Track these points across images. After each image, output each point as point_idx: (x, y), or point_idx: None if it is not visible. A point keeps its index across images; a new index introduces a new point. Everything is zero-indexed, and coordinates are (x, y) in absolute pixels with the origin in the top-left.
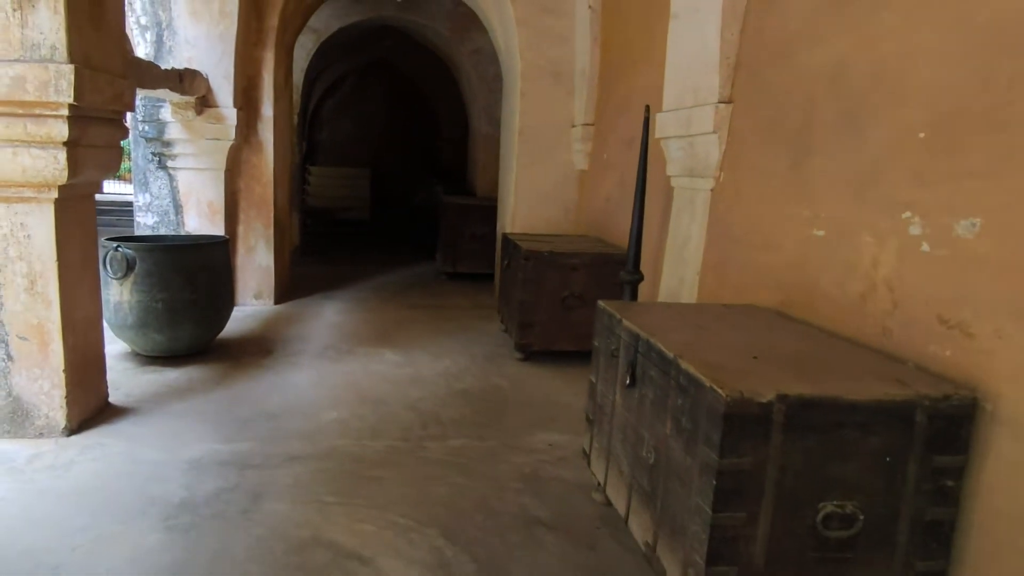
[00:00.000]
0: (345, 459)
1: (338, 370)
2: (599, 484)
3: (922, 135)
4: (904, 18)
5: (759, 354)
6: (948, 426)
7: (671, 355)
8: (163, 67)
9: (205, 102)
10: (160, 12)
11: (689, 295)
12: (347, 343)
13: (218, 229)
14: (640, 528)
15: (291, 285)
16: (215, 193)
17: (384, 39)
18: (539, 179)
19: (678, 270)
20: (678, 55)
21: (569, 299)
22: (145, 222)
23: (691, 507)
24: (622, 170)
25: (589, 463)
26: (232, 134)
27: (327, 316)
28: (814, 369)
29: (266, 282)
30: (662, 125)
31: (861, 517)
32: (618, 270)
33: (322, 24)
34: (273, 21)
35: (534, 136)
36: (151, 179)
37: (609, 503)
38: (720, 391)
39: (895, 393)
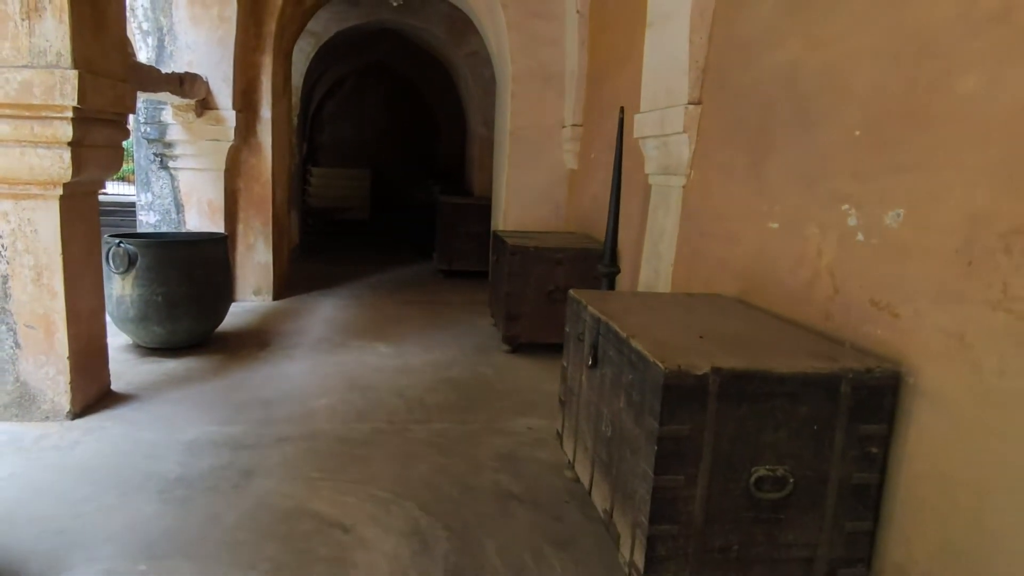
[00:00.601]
0: (332, 440)
1: (331, 361)
2: (569, 462)
3: (858, 133)
4: (845, 25)
5: (706, 335)
6: (872, 397)
7: (624, 335)
8: (164, 71)
9: (205, 104)
10: (161, 18)
11: (664, 286)
12: (341, 337)
13: (218, 227)
14: (600, 497)
15: (290, 282)
16: (215, 192)
17: (382, 42)
18: (530, 178)
19: (654, 263)
20: (653, 59)
21: (555, 292)
22: (148, 220)
23: (639, 473)
24: (608, 170)
25: (561, 443)
26: (231, 135)
27: (324, 312)
28: (753, 347)
29: (265, 279)
30: (640, 125)
31: (791, 480)
32: None
33: (321, 27)
34: (271, 26)
35: (525, 137)
36: (153, 179)
37: (578, 479)
38: (660, 364)
39: (821, 367)
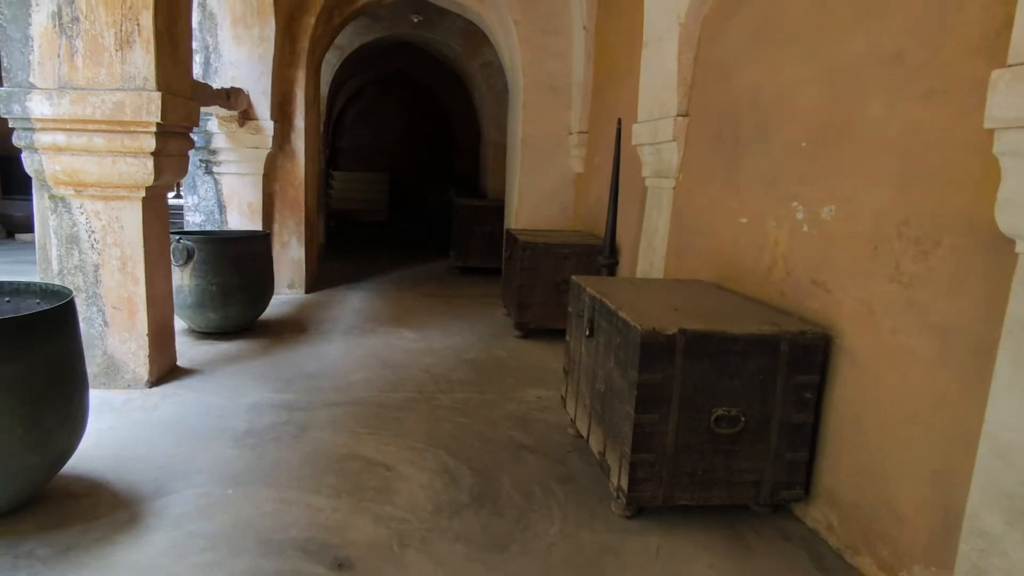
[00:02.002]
0: (371, 405)
1: (363, 343)
2: (572, 420)
3: (803, 144)
4: (793, 56)
5: (680, 308)
6: (805, 354)
7: (613, 307)
8: (213, 86)
9: (246, 115)
10: (208, 38)
11: (657, 276)
12: (370, 324)
13: (257, 226)
14: (595, 442)
15: (319, 277)
16: (254, 195)
17: (401, 52)
18: (540, 182)
19: (649, 256)
20: (648, 74)
21: (561, 284)
22: (193, 220)
23: (623, 415)
24: (610, 173)
25: (565, 405)
26: (269, 143)
27: (351, 303)
28: (716, 317)
29: (298, 273)
30: (637, 134)
31: (743, 419)
32: None
33: (346, 41)
34: (304, 44)
35: (535, 143)
36: (199, 183)
37: (579, 435)
38: (639, 327)
39: (766, 329)
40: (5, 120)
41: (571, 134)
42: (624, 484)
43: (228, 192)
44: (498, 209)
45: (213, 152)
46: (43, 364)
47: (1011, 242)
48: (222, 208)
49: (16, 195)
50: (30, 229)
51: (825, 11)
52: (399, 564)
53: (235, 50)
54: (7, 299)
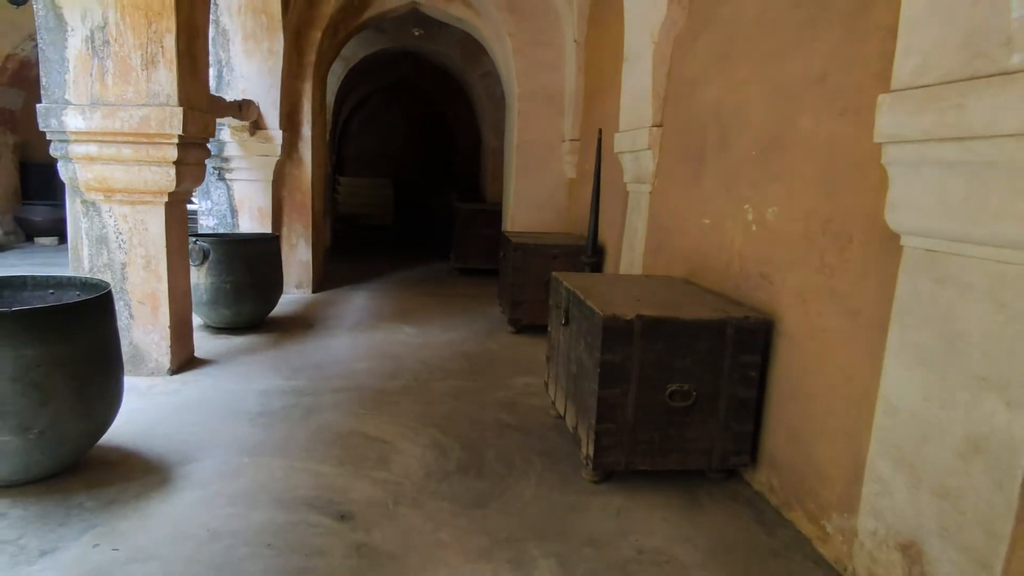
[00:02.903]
0: (372, 391)
1: (365, 338)
2: (552, 403)
3: (753, 153)
4: (746, 74)
5: (642, 299)
6: (749, 337)
7: (583, 297)
8: (226, 99)
9: (257, 125)
10: (221, 52)
11: (636, 273)
12: (372, 320)
13: (266, 229)
14: (569, 419)
15: (325, 277)
16: (264, 200)
17: (404, 63)
18: (534, 187)
19: (629, 254)
20: (628, 88)
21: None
22: (207, 224)
23: (590, 391)
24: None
25: (547, 388)
26: (278, 151)
27: (356, 302)
28: (673, 306)
29: (305, 274)
30: (619, 142)
31: (694, 394)
32: None
33: (351, 52)
34: (311, 57)
35: (530, 150)
36: (212, 189)
37: (559, 416)
38: (601, 312)
39: (713, 315)
40: (25, 129)
41: (564, 141)
42: (591, 452)
43: (240, 197)
44: (496, 213)
45: (226, 160)
46: (87, 345)
47: (898, 237)
48: (234, 212)
49: (35, 201)
50: (48, 233)
51: (769, 35)
52: (393, 517)
53: (246, 64)
54: (51, 291)
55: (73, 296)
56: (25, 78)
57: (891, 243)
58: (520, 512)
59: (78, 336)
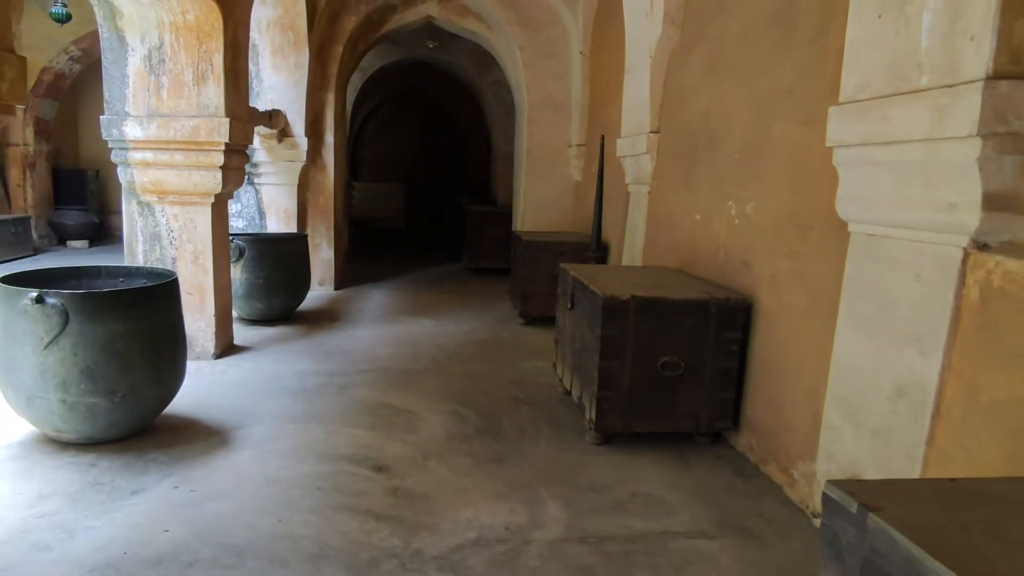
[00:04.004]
0: (396, 372)
1: (387, 328)
2: (560, 380)
3: (736, 156)
4: (731, 86)
5: (638, 284)
6: (730, 315)
7: (586, 282)
8: (257, 108)
9: (284, 133)
10: (251, 66)
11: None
12: (392, 314)
13: (292, 230)
14: (575, 391)
15: (346, 276)
16: (290, 202)
17: (418, 72)
18: (543, 189)
19: (630, 250)
20: (629, 97)
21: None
22: (237, 225)
23: (592, 363)
24: (605, 181)
25: (555, 368)
26: (303, 157)
27: (375, 298)
28: (664, 289)
29: (328, 272)
30: (620, 147)
31: (683, 365)
32: None
33: (367, 63)
34: (333, 70)
35: (539, 154)
36: (242, 192)
37: (566, 392)
38: (601, 294)
39: (698, 296)
40: (58, 137)
41: (571, 146)
42: (593, 416)
43: (267, 200)
44: (507, 215)
45: (255, 165)
46: (158, 323)
47: (846, 225)
48: (262, 214)
49: (67, 206)
50: (79, 237)
51: (749, 52)
52: (422, 468)
53: (274, 76)
54: (121, 279)
55: (140, 283)
56: (59, 89)
57: (841, 231)
58: (532, 466)
59: (151, 315)
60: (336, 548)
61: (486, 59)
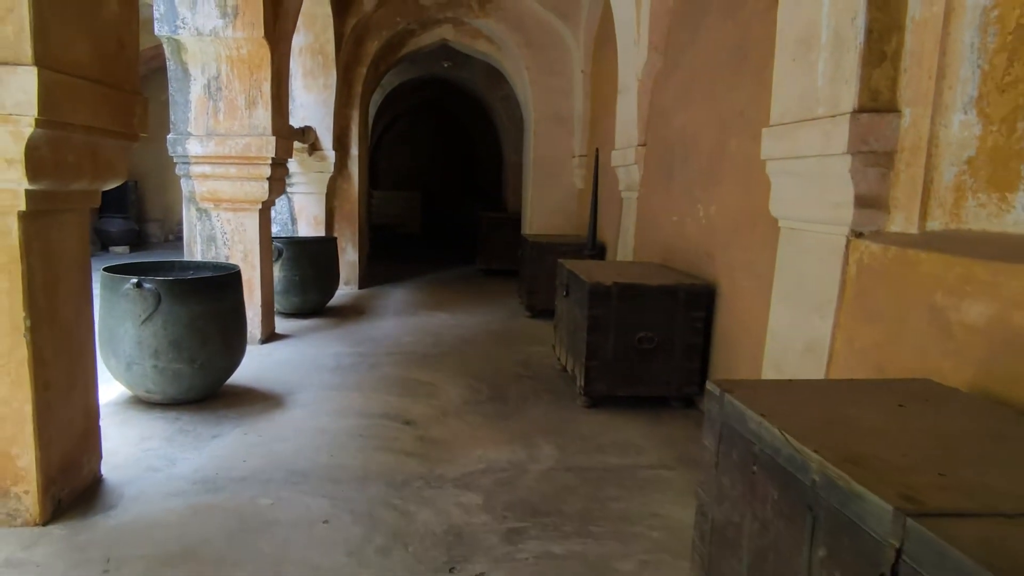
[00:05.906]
0: (418, 355)
1: (409, 321)
2: (558, 359)
3: (703, 166)
4: (699, 107)
5: (622, 274)
6: (696, 298)
7: (576, 272)
8: (294, 126)
9: (314, 147)
10: None
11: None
12: (412, 309)
13: (321, 235)
14: (569, 364)
15: (369, 276)
16: (319, 209)
17: (433, 87)
18: (548, 195)
19: (623, 249)
20: (621, 113)
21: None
22: (272, 229)
23: (581, 339)
24: (603, 189)
25: (554, 350)
26: (331, 168)
27: (396, 296)
28: (644, 278)
29: (353, 272)
30: (615, 158)
31: (656, 339)
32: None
33: (387, 81)
34: (358, 89)
35: (544, 164)
36: (276, 200)
37: (564, 369)
38: (588, 281)
39: (668, 282)
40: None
41: (573, 157)
42: (583, 382)
43: (299, 207)
44: (517, 221)
45: (288, 176)
46: (227, 306)
47: (777, 221)
48: (294, 220)
49: (110, 214)
50: (121, 243)
51: (714, 78)
52: (443, 423)
53: (305, 96)
54: (191, 271)
55: (207, 274)
56: None
57: (776, 226)
58: (531, 422)
59: (223, 299)
60: (377, 473)
61: (497, 75)
